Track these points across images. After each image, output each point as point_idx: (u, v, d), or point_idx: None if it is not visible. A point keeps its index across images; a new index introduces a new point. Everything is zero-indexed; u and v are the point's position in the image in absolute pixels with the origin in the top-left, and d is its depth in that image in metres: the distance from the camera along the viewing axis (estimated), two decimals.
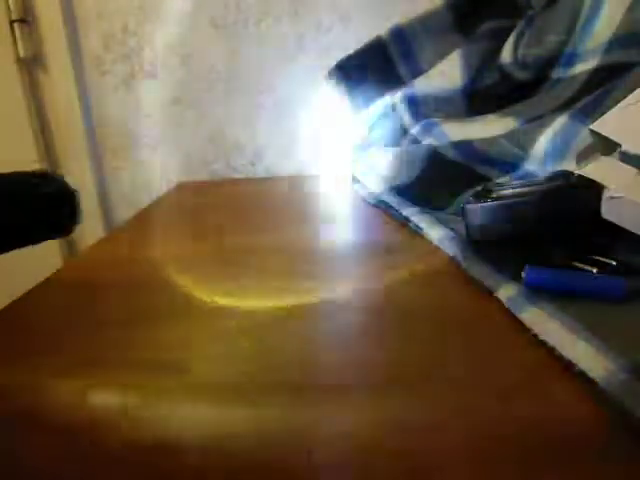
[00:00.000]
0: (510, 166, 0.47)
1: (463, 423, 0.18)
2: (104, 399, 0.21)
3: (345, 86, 0.75)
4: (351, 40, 0.88)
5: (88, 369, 0.22)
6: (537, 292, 0.25)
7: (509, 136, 0.48)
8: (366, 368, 0.22)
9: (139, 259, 0.39)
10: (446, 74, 0.66)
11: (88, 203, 0.97)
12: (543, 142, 0.44)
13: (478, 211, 0.33)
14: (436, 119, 0.62)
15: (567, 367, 0.20)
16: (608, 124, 0.32)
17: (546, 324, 0.22)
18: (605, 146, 0.32)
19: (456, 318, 0.26)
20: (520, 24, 0.62)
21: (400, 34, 0.72)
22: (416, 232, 0.40)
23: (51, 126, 0.95)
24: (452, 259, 0.33)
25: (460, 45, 0.66)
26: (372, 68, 0.74)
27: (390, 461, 0.16)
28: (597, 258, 0.27)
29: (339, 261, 0.36)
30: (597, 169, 0.30)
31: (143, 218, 0.59)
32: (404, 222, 0.43)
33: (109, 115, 0.95)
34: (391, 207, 0.46)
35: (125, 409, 0.20)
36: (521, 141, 0.46)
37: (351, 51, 0.77)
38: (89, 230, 0.92)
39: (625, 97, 0.34)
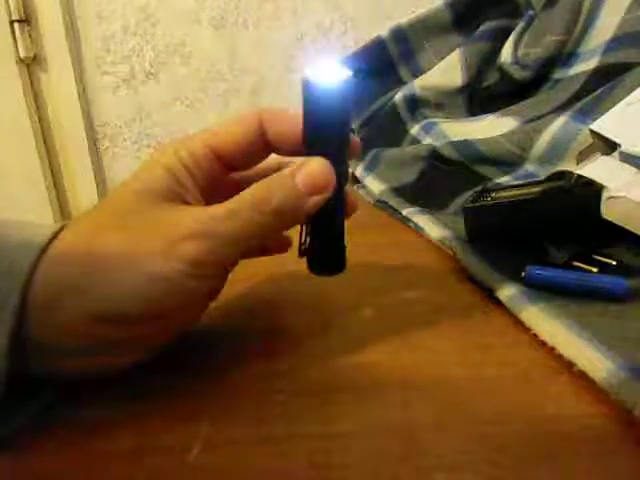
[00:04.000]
0: (510, 166, 0.47)
1: (462, 422, 0.18)
2: None
3: None
4: (351, 40, 0.88)
5: None
6: (537, 292, 0.25)
7: (509, 136, 0.48)
8: (367, 367, 0.22)
9: None
10: (446, 74, 0.66)
11: (88, 203, 0.97)
12: (543, 142, 0.44)
13: (478, 211, 0.33)
14: (436, 119, 0.62)
15: (567, 366, 0.20)
16: (608, 124, 0.32)
17: (546, 324, 0.22)
18: (605, 146, 0.32)
19: (456, 318, 0.26)
20: (520, 24, 0.62)
21: (400, 34, 0.72)
22: (416, 232, 0.40)
23: (51, 126, 0.95)
24: (452, 259, 0.33)
25: (460, 45, 0.66)
26: (372, 68, 0.74)
27: (391, 461, 0.16)
28: (597, 258, 0.27)
29: None
30: (597, 169, 0.30)
31: None
32: (404, 222, 0.43)
33: (109, 115, 0.95)
34: (391, 207, 0.46)
35: None
36: (521, 141, 0.46)
37: (351, 51, 0.78)
38: None
39: (625, 97, 0.34)
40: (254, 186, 0.21)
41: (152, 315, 0.20)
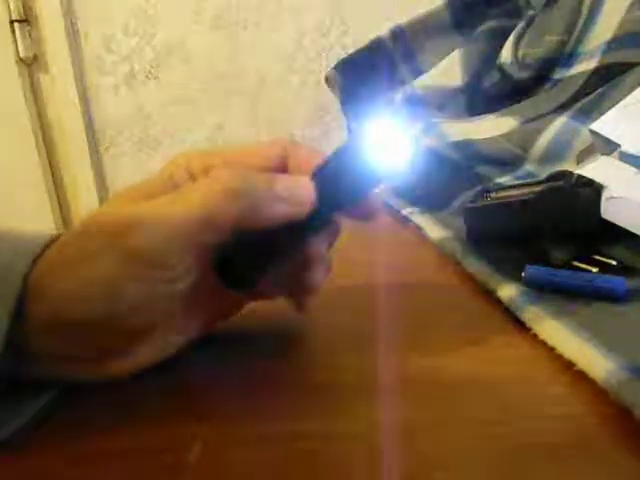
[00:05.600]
0: (510, 166, 0.47)
1: (462, 422, 0.18)
2: None
3: (345, 86, 0.75)
4: (351, 40, 0.88)
5: None
6: (537, 292, 0.25)
7: (509, 136, 0.48)
8: (366, 367, 0.22)
9: None
10: (446, 74, 0.66)
11: (88, 203, 0.97)
12: (543, 142, 0.44)
13: (478, 211, 0.33)
14: (436, 119, 0.62)
15: (567, 366, 0.20)
16: (608, 124, 0.32)
17: (546, 324, 0.22)
18: (605, 146, 0.32)
19: (456, 318, 0.26)
20: (520, 24, 0.62)
21: (400, 34, 0.72)
22: (416, 232, 0.40)
23: (51, 126, 0.95)
24: (452, 259, 0.33)
25: (460, 45, 0.66)
26: (372, 68, 0.74)
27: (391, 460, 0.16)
28: (597, 258, 0.27)
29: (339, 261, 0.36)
30: (597, 169, 0.30)
31: None
32: (404, 222, 0.43)
33: (109, 115, 0.95)
34: (391, 207, 0.46)
35: None
36: (521, 141, 0.46)
37: (351, 51, 0.77)
38: None
39: (625, 97, 0.34)
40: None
41: (102, 319, 0.18)
